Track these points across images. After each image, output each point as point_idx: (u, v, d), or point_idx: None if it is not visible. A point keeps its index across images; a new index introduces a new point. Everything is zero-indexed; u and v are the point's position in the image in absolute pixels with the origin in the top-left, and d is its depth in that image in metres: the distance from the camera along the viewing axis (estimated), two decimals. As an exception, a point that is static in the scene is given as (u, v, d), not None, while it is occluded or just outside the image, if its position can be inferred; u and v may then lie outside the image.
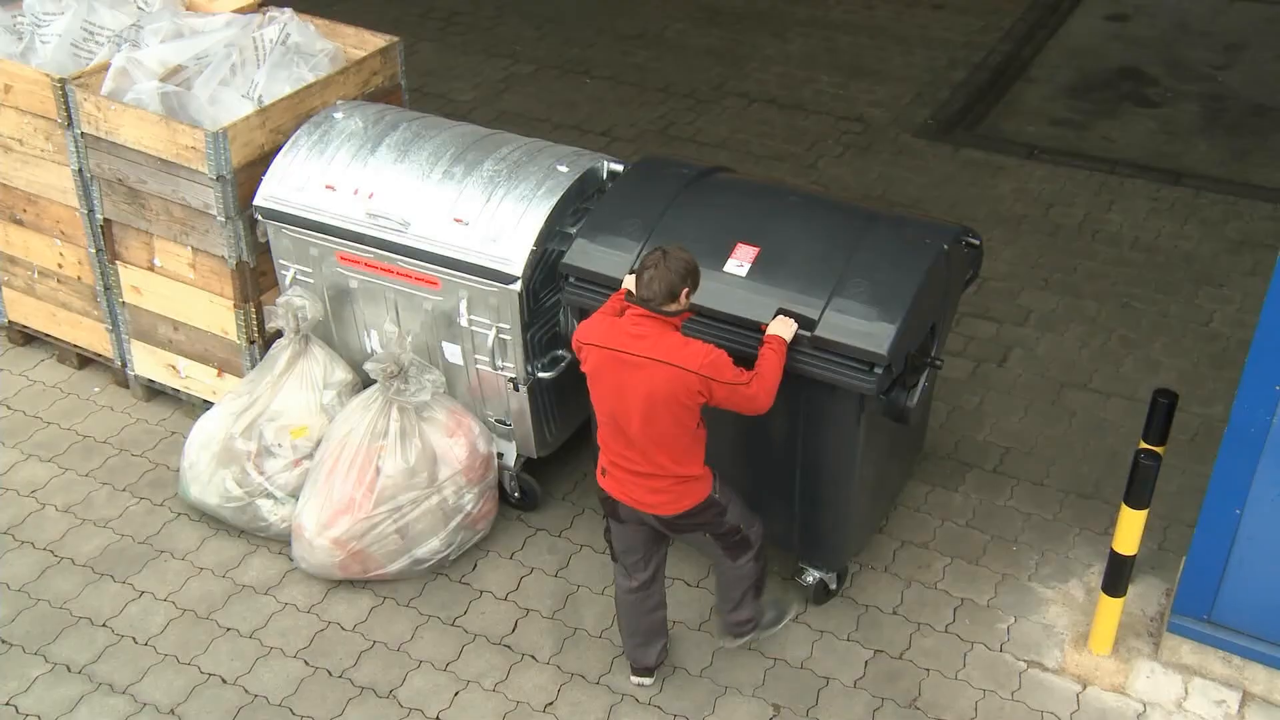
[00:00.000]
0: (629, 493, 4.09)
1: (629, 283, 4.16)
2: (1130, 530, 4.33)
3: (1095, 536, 5.10)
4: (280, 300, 4.97)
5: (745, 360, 4.06)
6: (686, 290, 3.92)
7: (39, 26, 5.49)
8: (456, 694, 4.50)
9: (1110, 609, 4.51)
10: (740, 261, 4.34)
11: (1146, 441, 4.28)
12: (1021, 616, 4.79)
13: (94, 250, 5.49)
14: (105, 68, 5.22)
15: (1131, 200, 7.34)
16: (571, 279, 4.55)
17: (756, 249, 4.36)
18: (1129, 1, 9.87)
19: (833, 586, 4.81)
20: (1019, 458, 5.52)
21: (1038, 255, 6.85)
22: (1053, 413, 5.77)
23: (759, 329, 4.19)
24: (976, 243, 4.66)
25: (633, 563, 4.31)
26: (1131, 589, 4.62)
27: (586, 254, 4.53)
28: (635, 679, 4.53)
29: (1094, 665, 4.58)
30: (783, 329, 4.14)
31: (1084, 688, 4.51)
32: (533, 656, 4.64)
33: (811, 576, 4.76)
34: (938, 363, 4.52)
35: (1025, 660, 4.62)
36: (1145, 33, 9.39)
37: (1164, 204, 7.30)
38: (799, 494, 4.56)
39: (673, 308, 3.91)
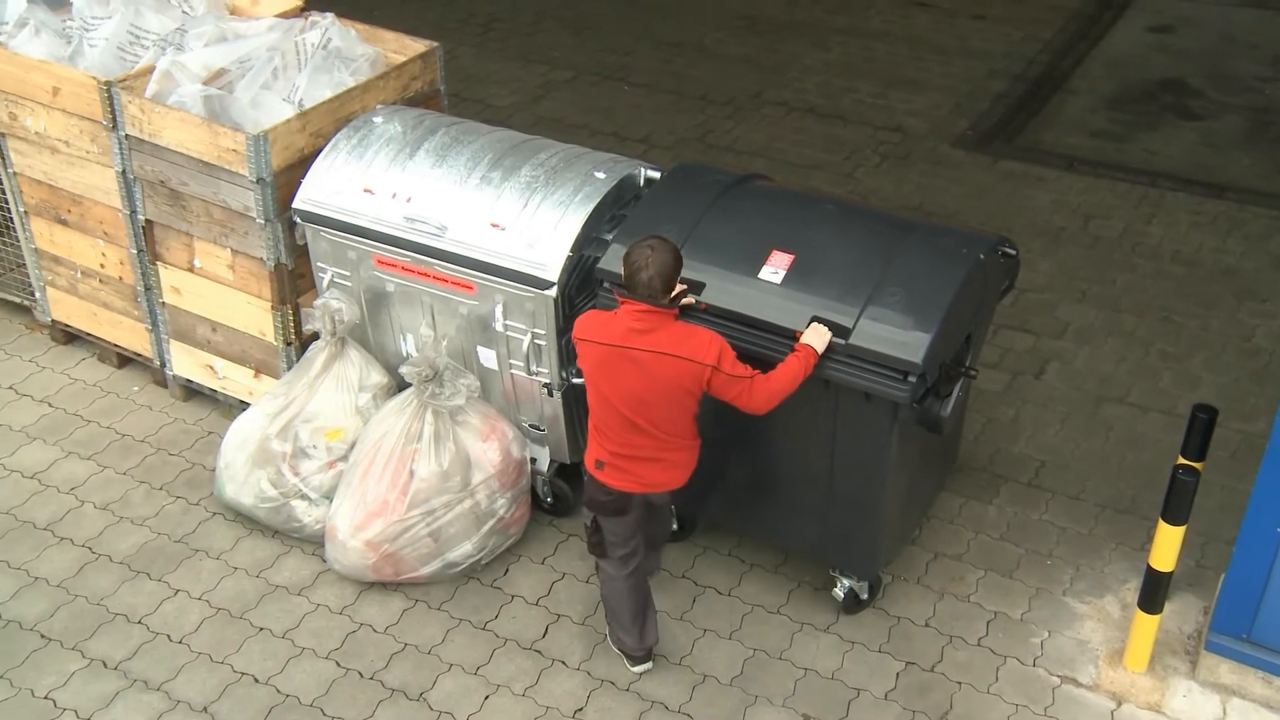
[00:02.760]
0: (640, 478, 4.14)
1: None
2: (1168, 546, 4.28)
3: (1132, 552, 5.04)
4: (318, 303, 5.01)
5: (770, 366, 4.07)
6: (679, 276, 4.00)
7: (87, 30, 5.56)
8: (486, 698, 4.50)
9: (1146, 626, 4.46)
10: (775, 268, 4.34)
11: (1185, 457, 4.23)
12: (1056, 631, 4.74)
13: (135, 251, 5.55)
14: (150, 71, 5.28)
15: (1172, 213, 7.26)
16: (606, 284, 4.56)
17: (791, 256, 4.35)
18: (1173, 13, 9.78)
19: (864, 597, 4.79)
20: (1055, 471, 5.47)
21: (1076, 268, 6.79)
22: (1090, 426, 5.72)
23: (793, 336, 4.18)
24: (1013, 253, 4.62)
25: (625, 553, 4.35)
26: (1168, 606, 4.56)
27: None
28: (638, 668, 4.55)
29: (1129, 682, 4.52)
30: (816, 338, 4.13)
31: (1119, 705, 4.46)
32: (563, 662, 4.64)
33: (843, 586, 4.74)
34: (972, 372, 4.50)
35: (1059, 676, 4.58)
36: (1189, 44, 9.30)
37: (1206, 217, 7.22)
38: (832, 501, 4.54)
39: (669, 298, 3.97)
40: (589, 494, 4.27)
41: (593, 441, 4.19)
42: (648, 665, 4.57)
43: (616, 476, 4.16)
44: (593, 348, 4.03)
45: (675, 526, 4.93)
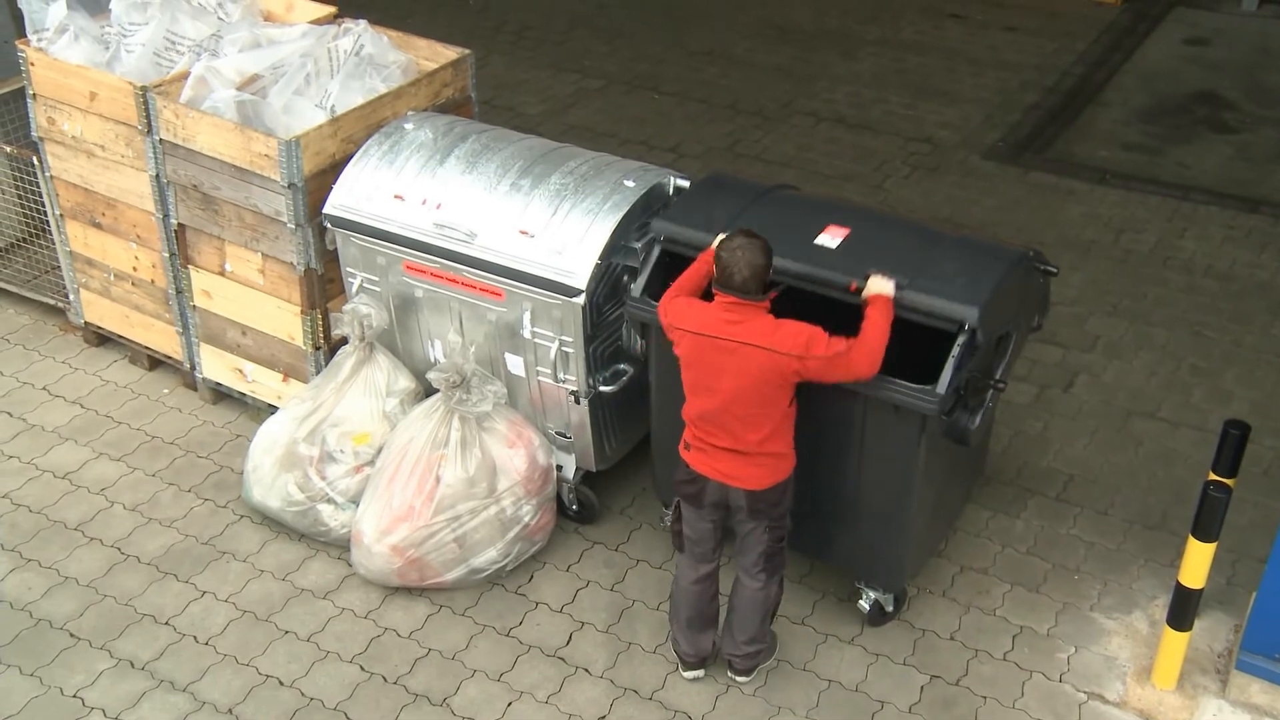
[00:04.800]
0: (718, 467, 4.13)
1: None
2: (1198, 563, 4.24)
3: (1161, 568, 5.00)
4: (346, 307, 5.04)
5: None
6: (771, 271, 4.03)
7: (125, 36, 5.62)
8: (509, 704, 4.51)
9: (1175, 643, 4.41)
10: (832, 237, 4.40)
11: (1216, 473, 4.19)
12: (1082, 647, 4.70)
13: (167, 254, 5.60)
14: (185, 76, 5.33)
15: (1205, 227, 7.21)
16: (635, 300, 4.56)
17: (847, 230, 4.38)
18: (1208, 25, 9.71)
19: (889, 609, 4.76)
20: (1083, 485, 5.43)
21: (1107, 281, 6.75)
22: (1119, 441, 5.67)
23: (848, 289, 4.20)
24: (1054, 270, 4.60)
25: (701, 553, 4.35)
26: (1198, 623, 4.51)
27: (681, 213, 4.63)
28: (690, 674, 4.54)
29: (1157, 700, 4.48)
30: (882, 286, 4.13)
31: (1146, 722, 4.42)
32: (586, 670, 4.64)
33: (868, 598, 4.72)
34: (1001, 385, 4.47)
35: (1086, 692, 4.54)
36: (1225, 57, 9.23)
37: (1240, 232, 7.16)
38: (858, 512, 4.52)
39: (762, 292, 4.00)
40: (676, 474, 4.29)
41: (687, 428, 4.20)
42: (698, 673, 4.54)
43: (700, 460, 4.16)
44: (686, 336, 4.06)
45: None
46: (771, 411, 4.05)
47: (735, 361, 3.97)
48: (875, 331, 4.03)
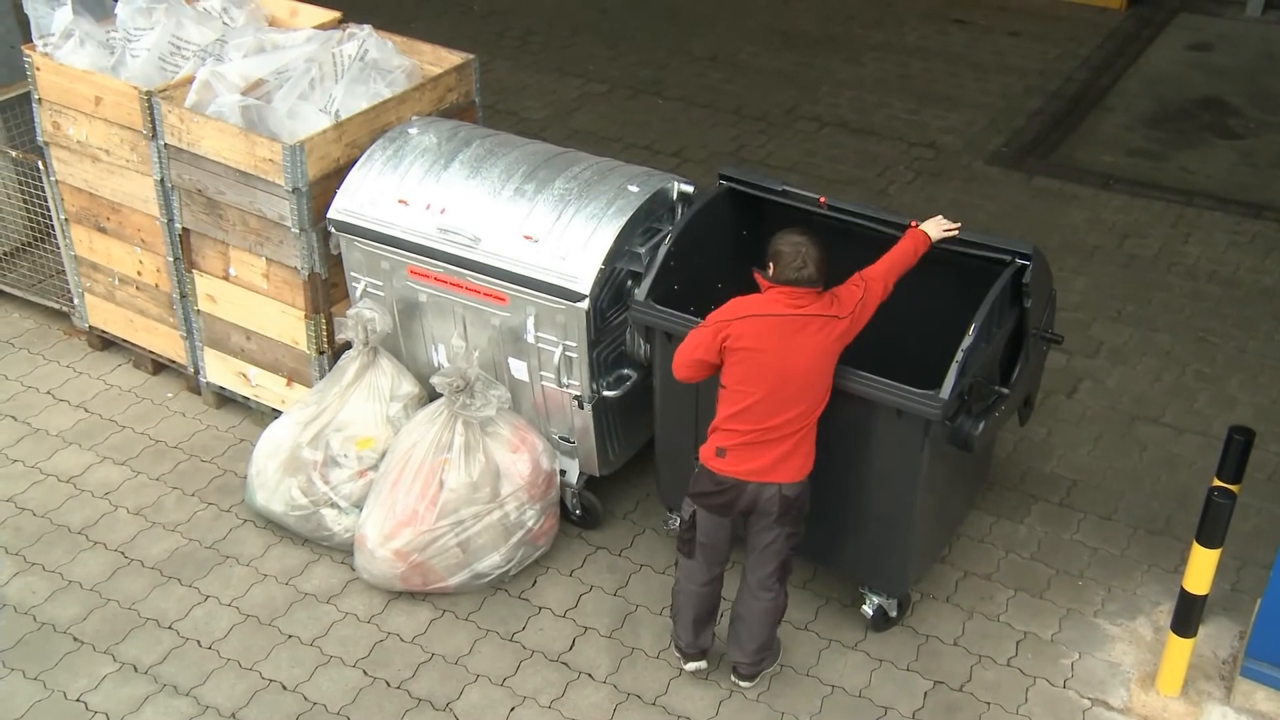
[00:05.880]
0: (756, 465, 4.14)
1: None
2: (1202, 569, 4.23)
3: (1165, 574, 4.99)
4: (350, 312, 5.04)
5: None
6: None
7: (130, 41, 5.63)
8: (512, 709, 4.50)
9: (1180, 649, 4.40)
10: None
11: (1221, 479, 4.18)
12: (1086, 653, 4.70)
13: (172, 259, 5.60)
14: (190, 81, 5.34)
15: (1210, 233, 7.20)
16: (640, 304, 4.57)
17: None
18: (1213, 31, 9.71)
19: (893, 614, 4.76)
20: (1087, 491, 5.43)
21: (1111, 286, 6.74)
22: (1123, 446, 5.67)
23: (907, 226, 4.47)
24: (1058, 340, 4.83)
25: (716, 557, 4.36)
26: (1203, 630, 4.51)
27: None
28: (692, 665, 4.55)
29: (1162, 706, 4.47)
30: (933, 227, 4.39)
31: (1150, 729, 4.42)
32: (590, 675, 4.63)
33: (872, 603, 4.71)
34: (1005, 391, 4.47)
35: (1090, 698, 4.53)
36: (1229, 63, 9.22)
37: (1244, 237, 7.15)
38: (862, 517, 4.52)
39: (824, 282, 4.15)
40: (697, 486, 4.27)
41: (719, 434, 4.20)
42: (700, 664, 4.56)
43: (736, 464, 4.17)
44: (754, 321, 4.08)
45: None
46: (824, 383, 4.16)
47: (808, 334, 4.08)
48: (895, 257, 4.31)
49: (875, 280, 4.23)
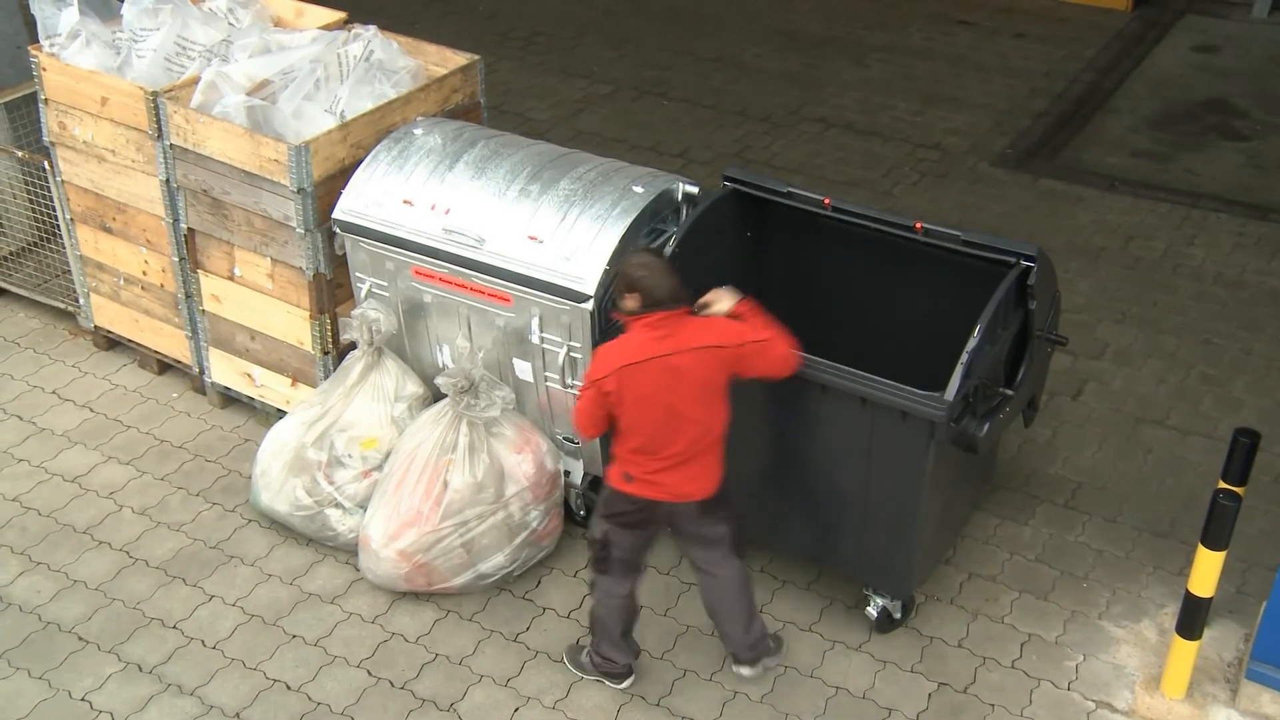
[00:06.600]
0: (670, 488, 4.13)
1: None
2: (1207, 571, 4.23)
3: (1170, 576, 4.98)
4: (355, 313, 5.04)
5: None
6: None
7: (136, 41, 5.64)
8: (516, 710, 4.51)
9: (1184, 652, 4.40)
10: None
11: (1226, 481, 4.18)
12: (1091, 655, 4.69)
13: (177, 259, 5.61)
14: (195, 81, 5.34)
15: (1215, 235, 7.19)
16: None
17: None
18: (1218, 32, 9.70)
19: (897, 616, 4.76)
20: (1091, 493, 5.42)
21: (1116, 288, 6.73)
22: (1128, 448, 5.66)
23: (912, 229, 4.48)
24: (1063, 341, 4.78)
25: (632, 568, 4.36)
26: (1208, 632, 4.50)
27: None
28: (623, 684, 4.54)
29: (1166, 709, 4.46)
30: (725, 304, 4.18)
31: (1155, 731, 4.41)
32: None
33: (876, 605, 4.71)
34: (1009, 392, 4.47)
35: (1094, 700, 4.52)
36: (1235, 64, 9.21)
37: (1249, 239, 7.14)
38: (866, 519, 4.52)
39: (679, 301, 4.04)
40: (612, 508, 4.25)
41: (623, 463, 4.17)
42: (632, 679, 4.56)
43: (648, 488, 4.15)
44: (629, 371, 3.99)
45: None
46: (719, 407, 4.09)
47: (689, 369, 3.97)
48: (775, 325, 4.11)
49: (782, 344, 4.11)
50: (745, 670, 4.51)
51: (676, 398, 4.00)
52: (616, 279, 4.06)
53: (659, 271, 4.00)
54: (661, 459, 4.09)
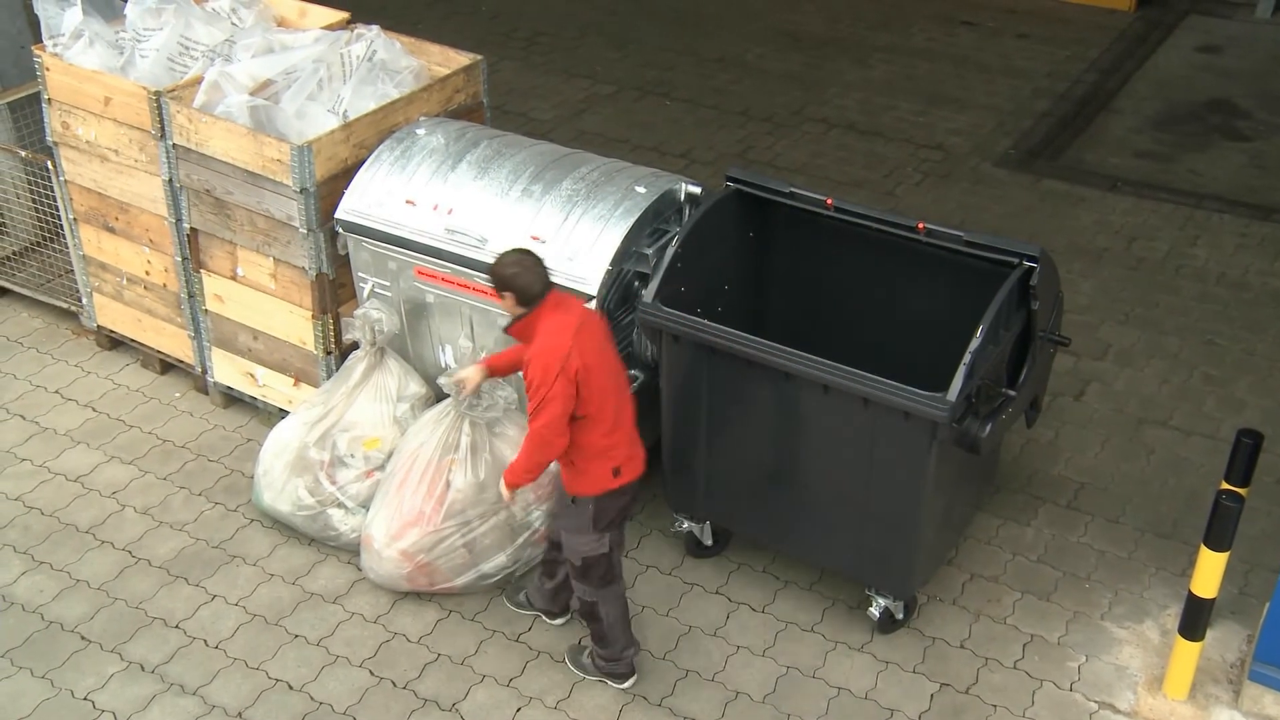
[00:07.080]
0: (640, 459, 4.31)
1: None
2: (1210, 572, 4.22)
3: (1172, 577, 4.98)
4: (358, 312, 5.04)
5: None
6: None
7: (139, 41, 5.65)
8: (519, 710, 4.51)
9: (1187, 653, 4.39)
10: None
11: (1229, 482, 4.18)
12: (1093, 656, 4.69)
13: (180, 259, 5.62)
14: (198, 81, 5.35)
15: (1218, 235, 7.19)
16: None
17: None
18: (1222, 33, 9.69)
19: (899, 616, 4.75)
20: (1094, 494, 5.42)
21: (1118, 289, 6.73)
22: (1130, 449, 5.66)
23: (915, 229, 4.51)
24: (1065, 342, 4.76)
25: (619, 560, 4.46)
26: (1210, 633, 4.49)
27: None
28: (628, 684, 4.56)
29: (1169, 710, 4.46)
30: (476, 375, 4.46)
31: (1157, 732, 4.41)
32: (595, 675, 4.64)
33: (878, 606, 4.71)
34: (1011, 393, 4.47)
35: (1096, 701, 4.52)
36: (1238, 65, 9.21)
37: (1253, 239, 7.14)
38: (868, 520, 4.51)
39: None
40: (603, 518, 4.25)
41: (606, 457, 4.19)
42: (634, 679, 4.58)
43: (633, 470, 4.26)
44: (576, 338, 4.03)
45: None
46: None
47: (603, 329, 4.24)
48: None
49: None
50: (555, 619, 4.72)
51: (613, 356, 4.20)
52: (492, 286, 4.15)
53: (531, 266, 4.08)
54: (627, 429, 4.22)
